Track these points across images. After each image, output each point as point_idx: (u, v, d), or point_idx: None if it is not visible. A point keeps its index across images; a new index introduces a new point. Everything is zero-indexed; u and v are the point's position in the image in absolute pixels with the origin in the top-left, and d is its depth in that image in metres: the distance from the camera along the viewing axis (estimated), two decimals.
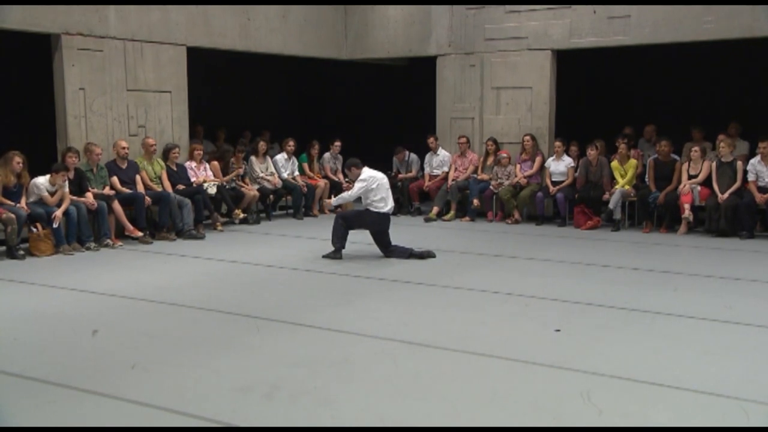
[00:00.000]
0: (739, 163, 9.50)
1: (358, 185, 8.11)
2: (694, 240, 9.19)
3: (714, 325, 5.49)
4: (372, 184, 8.05)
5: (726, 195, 9.32)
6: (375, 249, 8.35)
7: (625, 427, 3.71)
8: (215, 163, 10.48)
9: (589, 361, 4.63)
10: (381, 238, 8.18)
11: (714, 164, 9.61)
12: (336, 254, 7.99)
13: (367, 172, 8.14)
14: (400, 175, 11.86)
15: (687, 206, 9.49)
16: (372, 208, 8.09)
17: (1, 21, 8.25)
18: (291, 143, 11.53)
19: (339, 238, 8.05)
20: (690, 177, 9.72)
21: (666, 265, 7.64)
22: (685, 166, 9.84)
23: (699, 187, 9.63)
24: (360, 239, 8.55)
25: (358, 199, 8.35)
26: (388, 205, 8.18)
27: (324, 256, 7.99)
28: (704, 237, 9.35)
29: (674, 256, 8.32)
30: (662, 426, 3.72)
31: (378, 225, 8.14)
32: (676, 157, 10.18)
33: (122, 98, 9.51)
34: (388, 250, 8.14)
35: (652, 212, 9.95)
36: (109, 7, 9.22)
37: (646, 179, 10.12)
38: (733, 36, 9.72)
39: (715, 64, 11.25)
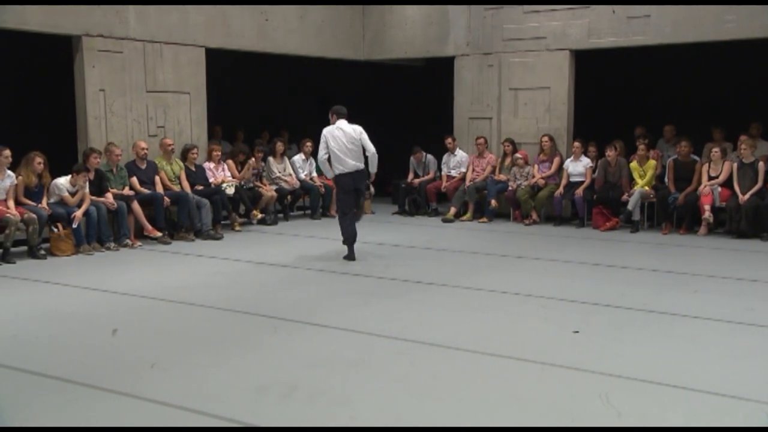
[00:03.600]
0: (761, 164, 9.39)
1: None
2: (715, 241, 9.10)
3: (735, 327, 5.43)
4: (327, 139, 7.76)
5: (747, 196, 9.22)
6: (391, 249, 8.36)
7: (645, 426, 3.69)
8: (230, 161, 10.52)
9: (608, 362, 4.60)
10: (356, 198, 7.91)
11: (735, 165, 9.52)
12: (349, 255, 7.93)
13: (327, 128, 7.85)
14: (416, 180, 11.85)
15: (707, 207, 9.40)
16: (337, 171, 7.86)
17: (23, 23, 8.35)
18: (308, 144, 11.55)
19: (346, 234, 7.88)
20: (710, 178, 9.63)
21: (685, 267, 7.58)
22: (705, 167, 9.75)
23: (719, 188, 9.53)
24: (373, 239, 8.56)
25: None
26: (349, 165, 7.79)
27: (344, 258, 7.94)
28: (725, 238, 9.26)
29: (694, 258, 8.25)
30: (681, 426, 3.69)
31: (348, 186, 7.85)
32: (696, 157, 10.10)
33: (142, 99, 9.59)
34: (349, 216, 7.85)
35: (672, 213, 9.87)
36: (129, 8, 9.30)
37: (666, 180, 10.04)
38: (754, 35, 9.62)
39: (736, 64, 11.13)
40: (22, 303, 6.29)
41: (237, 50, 10.73)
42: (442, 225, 10.77)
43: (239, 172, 10.50)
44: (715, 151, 9.67)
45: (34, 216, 7.97)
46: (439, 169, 11.91)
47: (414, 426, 3.73)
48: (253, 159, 10.71)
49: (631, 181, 10.17)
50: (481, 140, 11.35)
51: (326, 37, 11.92)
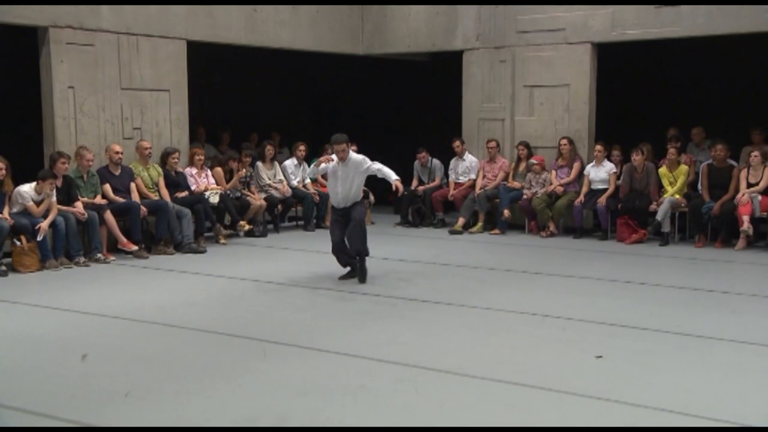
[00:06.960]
0: None
1: None
2: (754, 256, 9.10)
3: None
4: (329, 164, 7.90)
5: None
6: (393, 265, 8.35)
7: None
8: (218, 169, 10.53)
9: (636, 392, 4.58)
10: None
11: None
12: (347, 274, 7.92)
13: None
14: (420, 187, 11.84)
15: (746, 218, 9.39)
16: (332, 200, 8.13)
17: None
18: (302, 148, 11.57)
19: (339, 254, 7.87)
20: (749, 185, 9.63)
21: (722, 284, 7.57)
22: (743, 173, 9.74)
23: (759, 197, 9.53)
24: (373, 254, 8.53)
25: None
26: (337, 198, 7.86)
27: (340, 278, 7.90)
28: (765, 252, 9.25)
29: (731, 274, 8.25)
30: None
31: (335, 215, 7.96)
32: (734, 162, 10.10)
33: (116, 98, 9.60)
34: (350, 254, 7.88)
35: (706, 224, 9.86)
36: None
37: (699, 187, 10.04)
38: None
39: None
40: None
41: (222, 44, 10.76)
42: (450, 237, 10.77)
43: (227, 181, 10.50)
44: (755, 155, 9.66)
45: None
46: (446, 175, 11.92)
47: None
48: (243, 170, 10.71)
49: (660, 189, 10.18)
50: (493, 143, 11.36)
51: (322, 29, 11.95)
